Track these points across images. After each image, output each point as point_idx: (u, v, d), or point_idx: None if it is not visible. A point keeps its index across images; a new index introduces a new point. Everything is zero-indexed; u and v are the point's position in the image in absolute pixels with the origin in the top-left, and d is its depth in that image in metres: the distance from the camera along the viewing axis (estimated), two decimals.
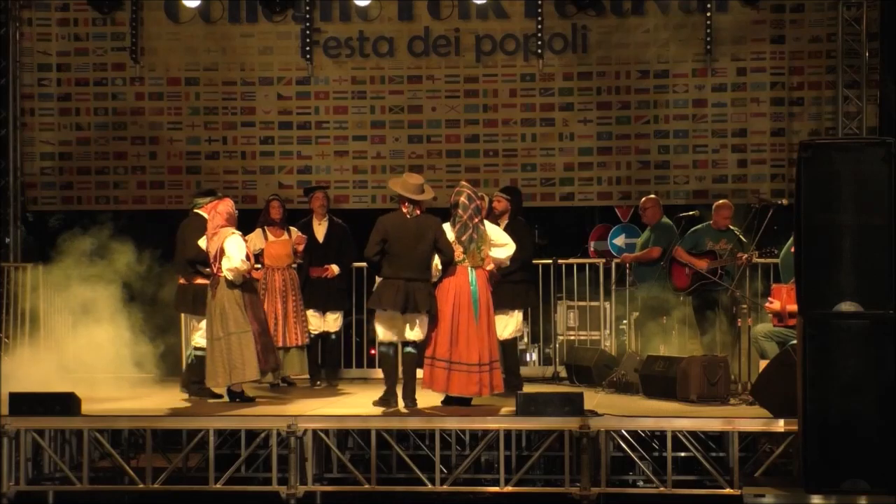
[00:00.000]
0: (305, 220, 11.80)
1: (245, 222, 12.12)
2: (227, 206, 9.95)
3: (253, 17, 13.62)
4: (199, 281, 10.15)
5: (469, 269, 9.32)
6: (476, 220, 9.36)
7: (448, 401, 9.41)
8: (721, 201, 11.80)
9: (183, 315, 11.13)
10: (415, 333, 9.26)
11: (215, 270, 9.78)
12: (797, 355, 7.99)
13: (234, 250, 9.68)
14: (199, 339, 10.21)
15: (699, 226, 11.72)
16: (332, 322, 11.73)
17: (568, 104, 13.44)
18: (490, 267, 9.50)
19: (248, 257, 9.81)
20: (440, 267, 9.26)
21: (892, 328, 7.70)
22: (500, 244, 9.55)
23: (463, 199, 9.37)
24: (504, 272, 9.98)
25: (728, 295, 10.89)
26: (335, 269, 11.64)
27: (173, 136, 13.66)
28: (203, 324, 10.05)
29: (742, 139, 13.31)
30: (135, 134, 13.67)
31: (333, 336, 11.79)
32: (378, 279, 9.38)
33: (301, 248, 11.40)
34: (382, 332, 9.34)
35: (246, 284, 9.83)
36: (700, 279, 11.40)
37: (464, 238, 9.28)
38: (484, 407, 9.38)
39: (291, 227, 11.59)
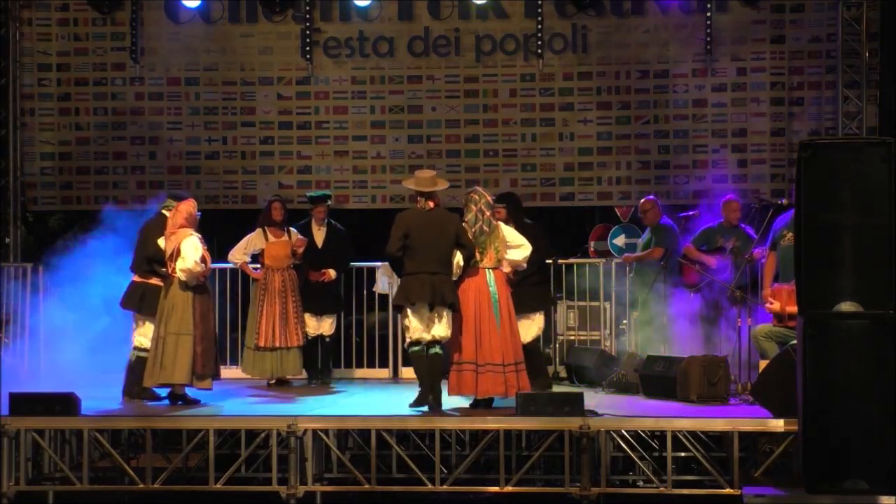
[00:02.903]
0: (304, 223, 11.81)
1: (245, 222, 12.17)
2: (188, 206, 9.93)
3: (253, 17, 13.59)
4: (153, 281, 10.10)
5: (487, 270, 9.31)
6: (488, 213, 9.38)
7: (475, 404, 9.37)
8: (729, 197, 11.81)
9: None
10: (441, 329, 9.15)
11: (170, 270, 9.75)
12: (797, 355, 8.00)
13: (189, 251, 9.65)
14: (140, 338, 10.16)
15: (711, 225, 11.73)
16: (327, 325, 11.76)
17: (568, 104, 13.42)
18: (507, 270, 9.48)
19: (203, 260, 9.75)
20: (461, 264, 9.23)
21: (892, 328, 7.70)
22: (516, 245, 9.53)
23: (475, 195, 9.47)
24: (522, 275, 9.95)
25: (728, 294, 10.88)
26: (332, 273, 11.67)
27: (173, 136, 13.63)
28: (146, 324, 10.03)
29: (742, 139, 13.29)
30: (134, 134, 13.65)
31: (328, 338, 11.81)
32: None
33: (301, 250, 11.43)
34: (415, 328, 9.20)
35: (200, 287, 9.78)
36: (709, 275, 11.41)
37: (475, 229, 9.29)
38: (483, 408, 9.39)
39: (291, 229, 11.61)
